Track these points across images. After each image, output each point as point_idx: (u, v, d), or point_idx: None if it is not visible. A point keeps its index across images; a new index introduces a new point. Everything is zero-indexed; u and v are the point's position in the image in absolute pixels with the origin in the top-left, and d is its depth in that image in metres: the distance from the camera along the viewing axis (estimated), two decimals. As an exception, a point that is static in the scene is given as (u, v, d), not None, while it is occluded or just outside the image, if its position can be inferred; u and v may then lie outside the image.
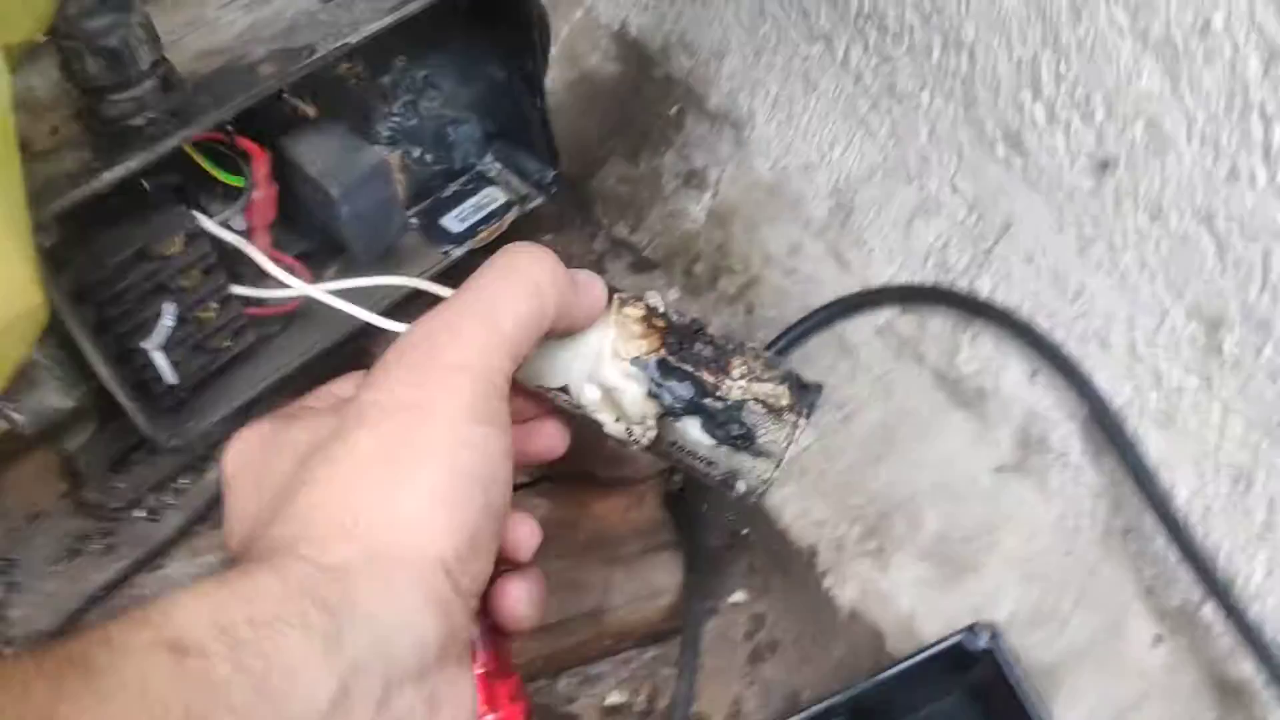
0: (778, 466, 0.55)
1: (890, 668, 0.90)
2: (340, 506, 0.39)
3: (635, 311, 0.54)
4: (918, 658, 0.89)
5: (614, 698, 0.98)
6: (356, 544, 0.38)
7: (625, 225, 1.17)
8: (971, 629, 0.88)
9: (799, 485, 1.05)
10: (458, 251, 0.86)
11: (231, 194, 0.76)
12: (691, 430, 0.55)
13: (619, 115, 1.31)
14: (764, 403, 0.54)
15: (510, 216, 0.88)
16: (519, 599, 0.49)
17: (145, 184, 0.72)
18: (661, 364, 0.53)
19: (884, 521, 1.01)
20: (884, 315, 1.05)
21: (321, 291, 0.74)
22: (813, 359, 1.08)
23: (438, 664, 0.40)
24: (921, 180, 1.03)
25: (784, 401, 0.54)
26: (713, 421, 0.54)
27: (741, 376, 0.54)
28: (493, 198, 0.89)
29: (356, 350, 0.89)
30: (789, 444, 0.55)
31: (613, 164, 1.29)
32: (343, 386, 0.52)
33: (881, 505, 1.01)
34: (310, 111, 0.78)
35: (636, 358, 0.53)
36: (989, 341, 0.99)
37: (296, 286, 0.75)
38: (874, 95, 1.06)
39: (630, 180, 1.27)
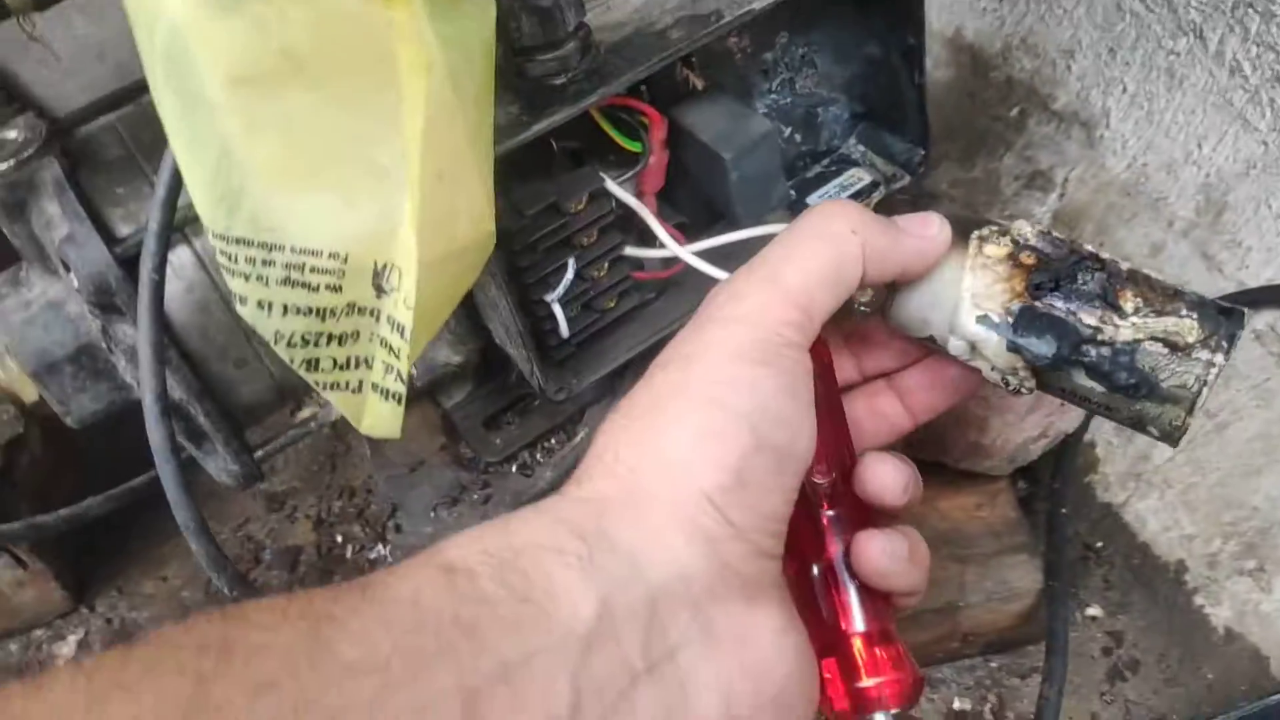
0: (1190, 411, 0.47)
1: (1282, 692, 0.82)
2: (607, 449, 0.42)
3: (997, 250, 0.48)
4: (1316, 683, 0.82)
5: (959, 704, 0.94)
6: (615, 480, 0.41)
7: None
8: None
9: (1164, 497, 0.98)
10: (825, 229, 0.86)
11: (622, 161, 0.79)
12: (1077, 378, 0.48)
13: (951, 119, 1.29)
14: (1165, 340, 0.46)
15: (877, 196, 0.87)
16: (877, 553, 0.46)
17: (554, 144, 0.76)
18: (1024, 312, 0.47)
19: (1264, 538, 0.92)
20: (1264, 318, 0.98)
21: (692, 256, 0.75)
22: (1178, 364, 1.01)
23: (711, 597, 0.40)
24: (1311, 173, 0.96)
25: (1191, 336, 0.46)
26: (1096, 371, 0.47)
27: (1136, 311, 0.47)
28: (858, 178, 0.89)
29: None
30: (1202, 385, 0.46)
31: (945, 168, 1.26)
32: None
33: (1261, 521, 0.93)
34: (699, 84, 0.80)
35: (990, 311, 0.48)
36: (1393, 346, 0.90)
37: (675, 250, 0.76)
38: (1254, 86, 0.99)
39: (964, 184, 1.24)
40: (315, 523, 1.25)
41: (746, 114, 0.79)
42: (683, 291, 0.85)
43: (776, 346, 0.43)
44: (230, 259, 0.52)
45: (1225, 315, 0.46)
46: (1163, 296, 0.47)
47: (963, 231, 0.50)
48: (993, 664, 0.96)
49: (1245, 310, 0.47)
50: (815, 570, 0.48)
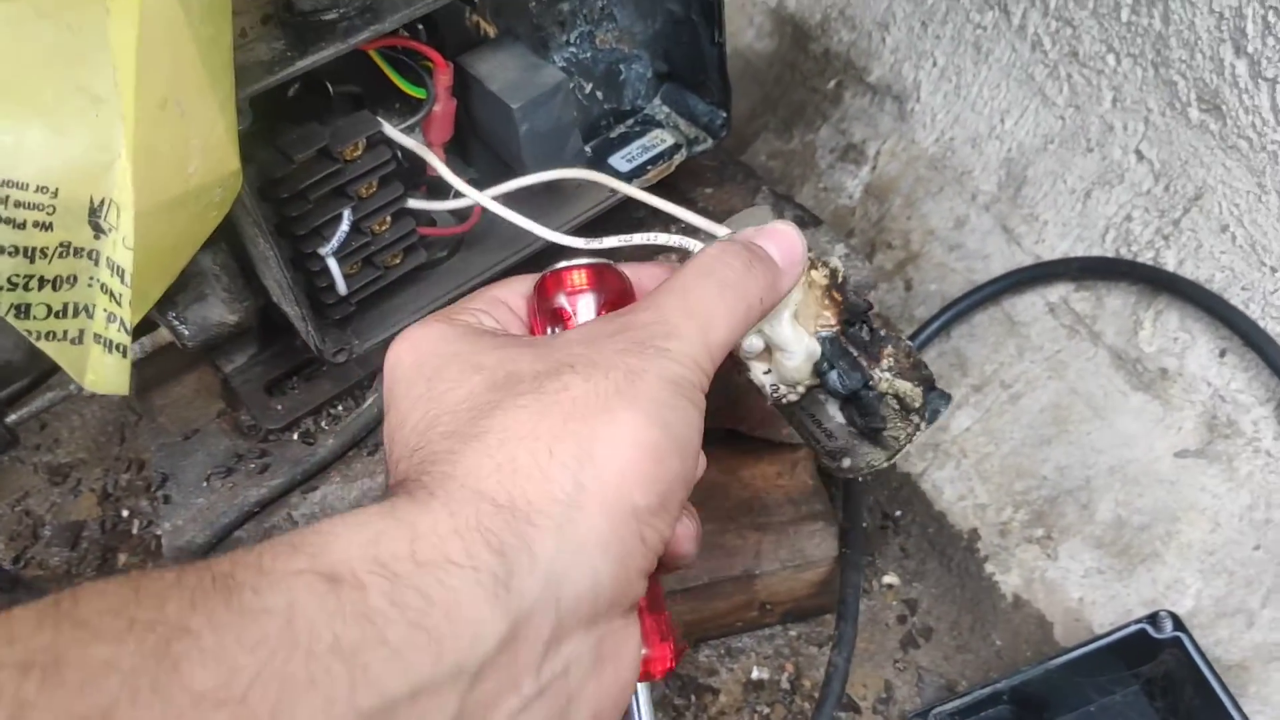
0: (889, 460, 0.55)
1: (1061, 655, 0.84)
2: (540, 444, 0.38)
3: (820, 279, 0.51)
4: (1092, 646, 0.83)
5: (757, 673, 0.94)
6: (549, 484, 0.37)
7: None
8: (1154, 617, 0.82)
9: (959, 467, 1.00)
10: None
11: (408, 110, 0.75)
12: (830, 406, 0.54)
13: (772, 91, 1.29)
14: (900, 399, 0.53)
15: (678, 158, 0.85)
16: (683, 536, 0.46)
17: (330, 87, 0.71)
18: (834, 342, 0.52)
19: (1052, 507, 0.95)
20: (1057, 291, 1.00)
21: (492, 200, 0.70)
22: (978, 336, 1.03)
23: (607, 614, 0.38)
24: (1103, 149, 0.98)
25: (916, 403, 0.53)
26: (853, 407, 0.53)
27: (889, 369, 0.53)
28: (660, 139, 0.87)
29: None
30: (908, 442, 0.54)
31: (764, 139, 1.26)
32: (508, 293, 0.51)
33: (1050, 490, 0.95)
34: (491, 31, 0.77)
35: (816, 330, 0.52)
36: (1174, 318, 0.93)
37: (472, 195, 0.72)
38: (1052, 61, 1.01)
39: (782, 155, 1.24)
40: (100, 496, 1.17)
41: (538, 64, 0.76)
42: (477, 250, 0.81)
43: (698, 391, 0.43)
44: (-82, 189, 0.46)
45: (936, 395, 0.54)
46: (908, 363, 0.54)
47: None
48: (792, 632, 0.96)
49: (950, 396, 0.55)
50: None
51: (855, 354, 0.52)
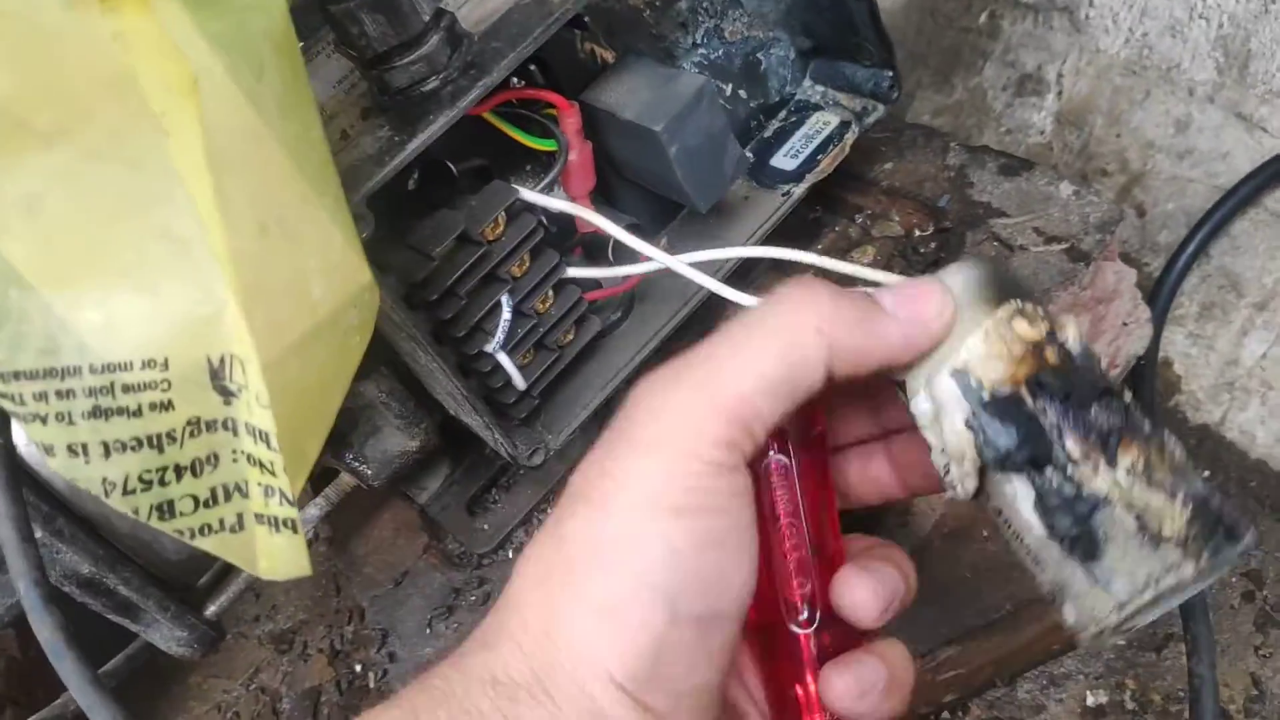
0: (1121, 614, 0.38)
1: None
2: (516, 610, 0.37)
3: (1028, 331, 0.40)
4: None
5: (1093, 699, 0.79)
6: (523, 659, 0.36)
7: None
8: None
9: (1265, 403, 0.84)
10: (799, 189, 0.72)
11: (540, 169, 0.66)
12: (1022, 503, 0.39)
13: (914, 44, 1.16)
14: (1140, 516, 0.38)
15: (850, 137, 0.73)
16: (844, 692, 0.41)
17: (452, 167, 0.63)
18: (1007, 400, 0.39)
19: (1398, 423, 0.78)
20: (1334, 167, 0.83)
21: (686, 266, 0.59)
22: (1244, 247, 0.87)
23: None
24: (1341, -8, 0.82)
25: (1169, 529, 0.38)
26: (1042, 500, 0.39)
27: (1128, 471, 0.38)
28: (824, 123, 0.75)
29: (705, 328, 0.76)
30: (1147, 588, 0.37)
31: (921, 99, 1.13)
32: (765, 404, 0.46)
33: (1388, 404, 0.78)
34: (609, 56, 0.67)
35: (973, 376, 0.39)
36: None
37: (663, 259, 0.60)
38: (1247, -90, 0.85)
39: (948, 110, 1.10)
40: (330, 655, 1.12)
41: (671, 74, 0.66)
42: (651, 302, 0.71)
43: (701, 480, 0.36)
44: (16, 401, 0.39)
45: (1221, 527, 0.37)
46: (1171, 471, 0.39)
47: (994, 294, 0.41)
48: (1120, 642, 0.81)
49: (1250, 531, 0.38)
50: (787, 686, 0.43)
51: (1039, 419, 0.39)
